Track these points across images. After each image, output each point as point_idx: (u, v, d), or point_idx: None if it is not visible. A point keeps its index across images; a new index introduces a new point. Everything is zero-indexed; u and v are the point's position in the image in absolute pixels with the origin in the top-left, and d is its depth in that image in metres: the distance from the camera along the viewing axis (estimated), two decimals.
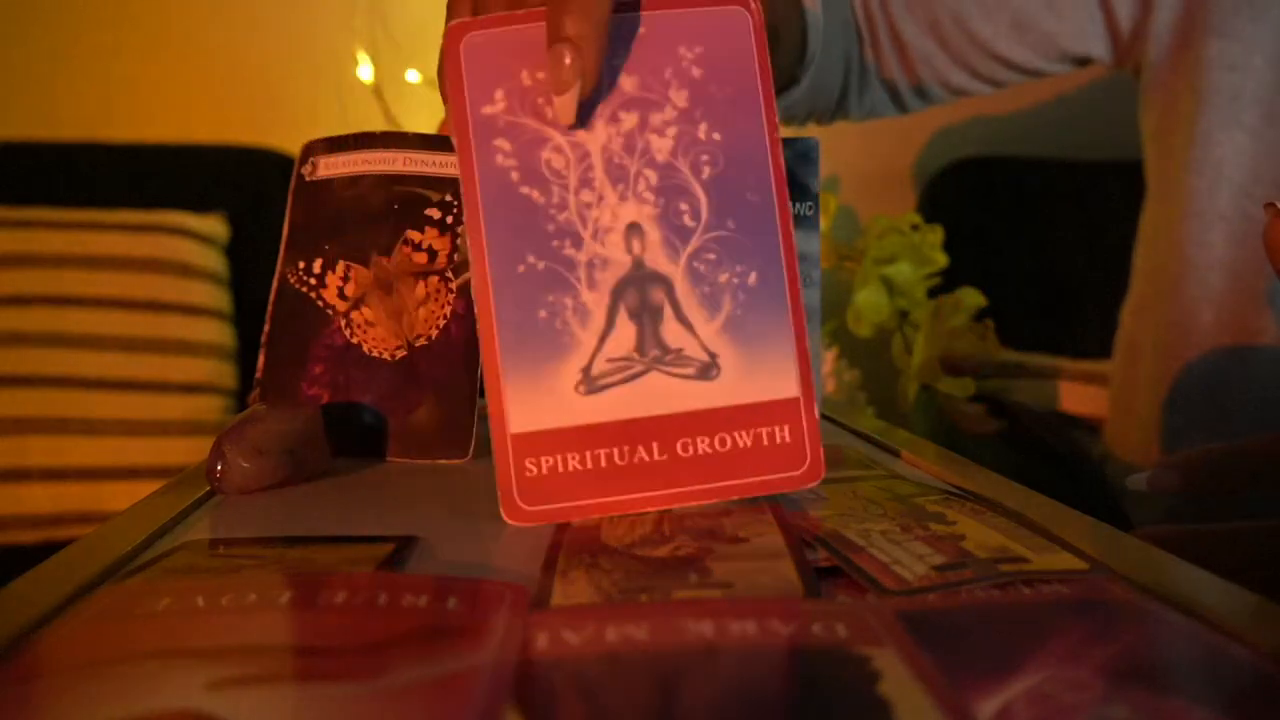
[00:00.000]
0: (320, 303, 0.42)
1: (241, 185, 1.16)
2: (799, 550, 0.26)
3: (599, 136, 0.29)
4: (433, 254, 0.41)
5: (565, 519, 0.29)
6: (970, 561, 0.25)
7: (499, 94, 0.29)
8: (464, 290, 0.41)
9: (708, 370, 0.29)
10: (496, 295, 0.29)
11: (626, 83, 0.30)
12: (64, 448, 0.97)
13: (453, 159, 0.37)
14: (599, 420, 0.29)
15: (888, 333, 0.98)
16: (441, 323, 0.41)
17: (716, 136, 0.30)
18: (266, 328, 0.43)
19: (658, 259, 0.29)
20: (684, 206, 0.29)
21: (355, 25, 1.23)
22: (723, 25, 0.30)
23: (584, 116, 0.29)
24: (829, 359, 1.07)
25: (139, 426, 0.99)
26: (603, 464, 0.29)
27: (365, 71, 1.22)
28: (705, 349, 0.29)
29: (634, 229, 0.29)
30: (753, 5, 0.30)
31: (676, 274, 0.29)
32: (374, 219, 0.42)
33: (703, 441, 0.29)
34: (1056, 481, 0.73)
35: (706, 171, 0.30)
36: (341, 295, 0.42)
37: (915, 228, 0.96)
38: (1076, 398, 0.91)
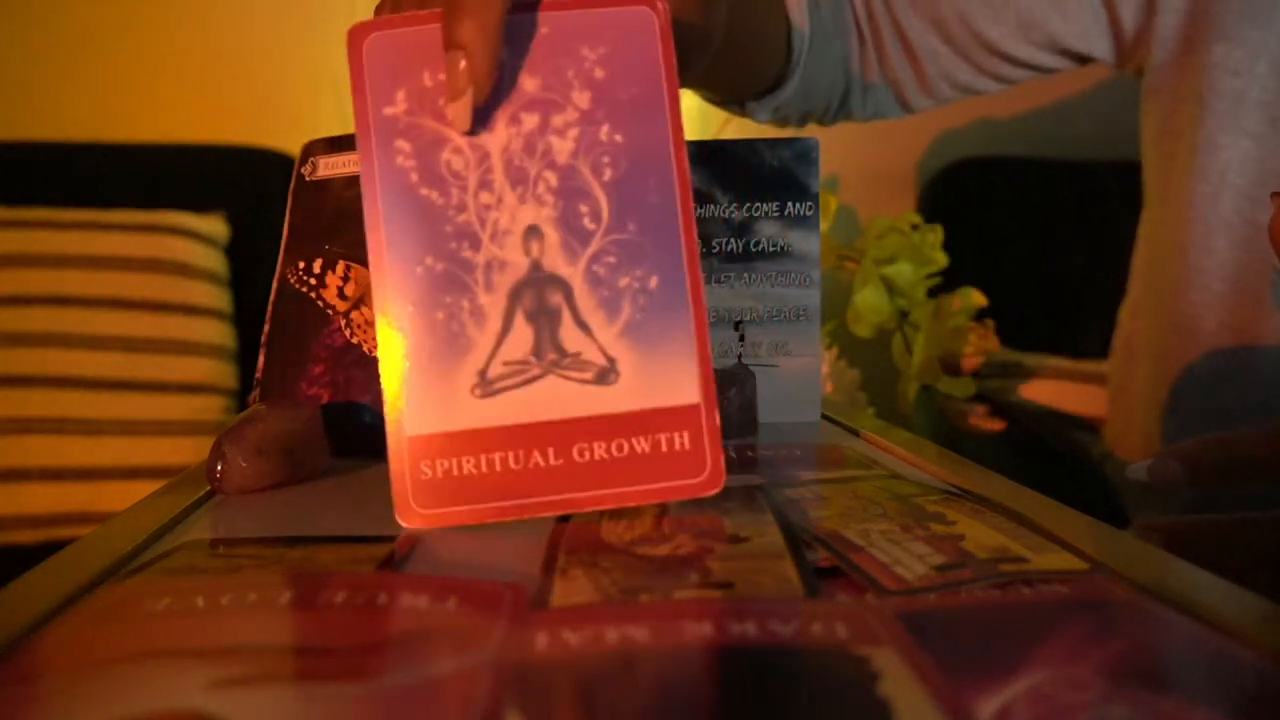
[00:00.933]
0: (320, 303, 0.42)
1: (241, 185, 1.16)
2: (799, 550, 0.26)
3: (499, 138, 0.29)
4: None
5: (458, 522, 0.29)
6: (970, 561, 0.25)
7: (400, 95, 0.29)
8: None
9: (606, 375, 0.29)
10: (395, 296, 0.29)
11: (528, 83, 0.29)
12: (64, 448, 0.97)
13: None
14: (494, 424, 0.29)
15: (888, 333, 0.98)
16: None
17: (618, 138, 0.29)
18: (266, 328, 0.43)
19: (556, 262, 0.29)
20: (584, 209, 0.29)
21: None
22: (627, 25, 0.29)
23: (484, 118, 0.29)
24: (829, 359, 1.07)
25: (139, 426, 1.00)
26: (498, 468, 0.29)
27: None
28: (604, 353, 0.29)
29: (533, 231, 0.29)
30: (659, 5, 0.30)
31: (575, 277, 0.29)
32: None
33: (599, 447, 0.29)
34: (1056, 481, 0.73)
35: (608, 173, 0.29)
36: (341, 295, 0.42)
37: (915, 228, 0.96)
38: (1076, 398, 0.91)
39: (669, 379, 0.29)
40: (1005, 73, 0.65)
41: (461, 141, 0.29)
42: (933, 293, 0.96)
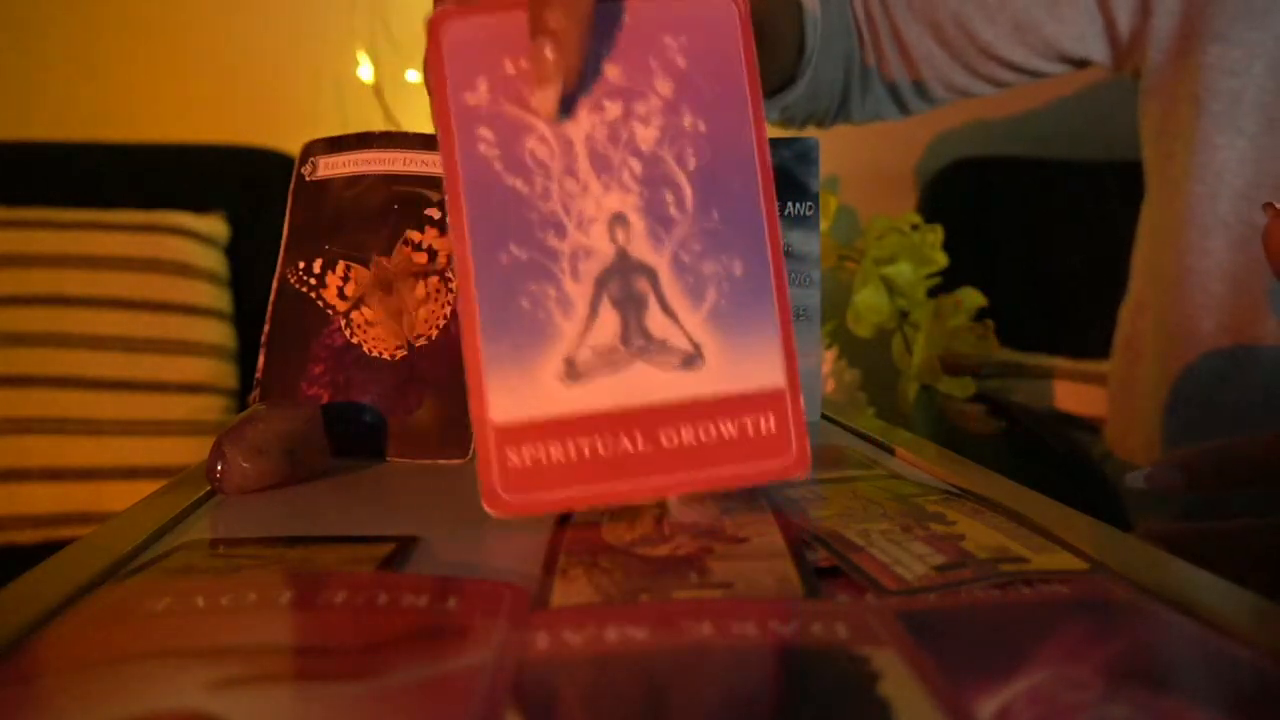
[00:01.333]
0: (320, 303, 0.42)
1: (241, 185, 1.16)
2: (799, 550, 0.26)
3: (583, 125, 0.29)
4: (433, 254, 0.41)
5: (548, 510, 0.29)
6: (970, 561, 0.25)
7: (482, 83, 0.29)
8: None
9: (692, 360, 0.29)
10: (479, 285, 0.29)
11: (611, 72, 0.29)
12: (64, 448, 0.97)
13: None
14: (582, 410, 0.29)
15: (888, 333, 0.98)
16: (441, 323, 0.41)
17: (702, 127, 0.29)
18: (266, 328, 0.43)
19: (642, 249, 0.29)
20: (669, 197, 0.29)
21: (355, 25, 1.23)
22: (709, 17, 0.30)
23: (567, 105, 0.29)
24: (829, 359, 1.07)
25: (139, 426, 0.99)
26: (586, 454, 0.29)
27: (365, 71, 1.22)
28: (689, 339, 0.29)
29: (618, 219, 0.29)
30: (739, 1, 0.30)
31: (661, 264, 0.29)
32: (374, 219, 0.42)
33: (686, 431, 0.29)
34: (1056, 481, 0.73)
35: (692, 162, 0.29)
36: (341, 295, 0.42)
37: (915, 228, 0.96)
38: (1076, 398, 0.91)
39: (754, 364, 0.29)
40: (1000, 76, 0.65)
41: (545, 129, 0.29)
42: (933, 293, 0.96)
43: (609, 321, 0.29)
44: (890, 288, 0.95)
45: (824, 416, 0.50)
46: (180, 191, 1.13)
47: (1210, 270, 0.57)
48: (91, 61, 1.24)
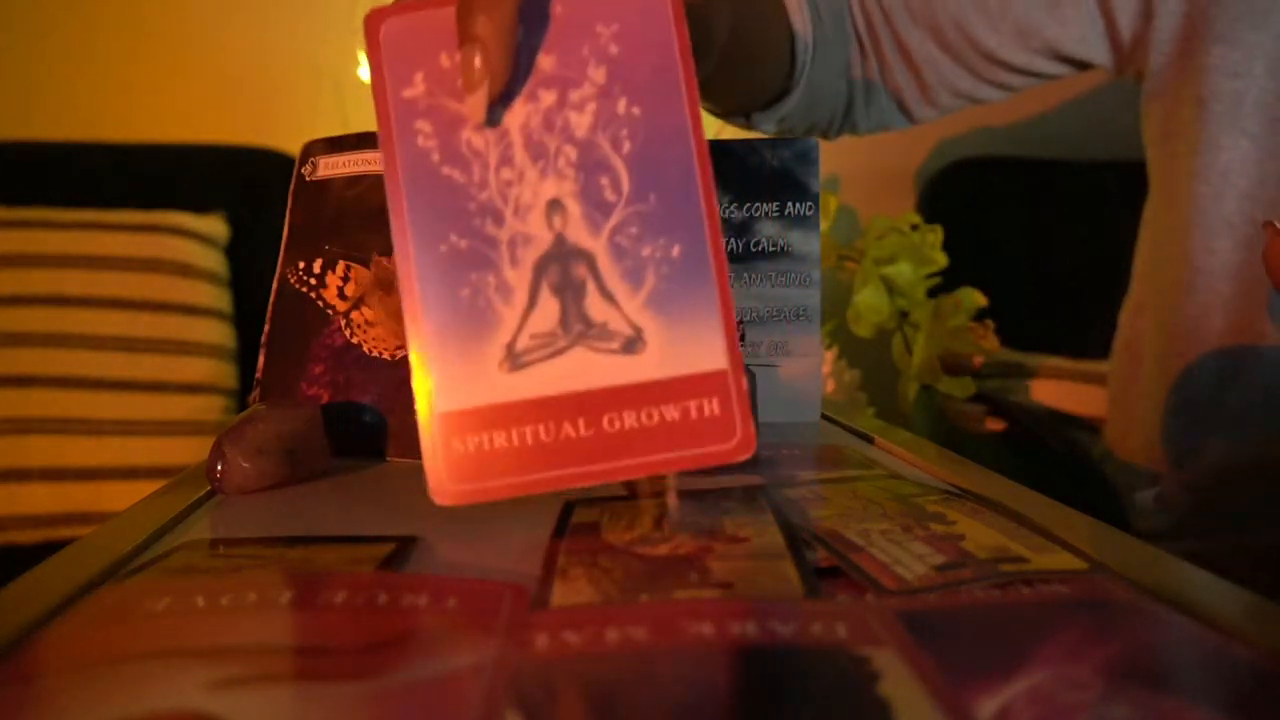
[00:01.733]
0: (320, 303, 0.42)
1: (241, 185, 1.16)
2: (799, 550, 0.26)
3: (518, 115, 0.30)
4: None
5: (493, 497, 0.29)
6: (970, 561, 0.25)
7: (418, 77, 0.30)
8: None
9: (632, 344, 0.29)
10: (420, 275, 0.29)
11: (545, 62, 0.30)
12: (64, 448, 0.97)
13: None
14: (524, 397, 0.29)
15: (888, 333, 0.98)
16: None
17: (636, 112, 0.30)
18: (266, 328, 0.43)
19: (579, 234, 0.29)
20: (605, 181, 0.30)
21: (355, 25, 1.23)
22: (641, 4, 0.30)
23: (502, 95, 0.30)
24: (829, 359, 1.07)
25: (139, 426, 0.99)
26: (530, 441, 0.29)
27: (365, 71, 1.22)
28: (630, 323, 0.29)
29: (555, 205, 0.30)
30: None
31: (599, 249, 0.29)
32: (374, 219, 0.42)
33: (629, 416, 0.29)
34: (1056, 481, 0.73)
35: (627, 146, 0.30)
36: (341, 295, 0.42)
37: (915, 228, 0.96)
38: (1076, 398, 0.91)
39: (695, 346, 0.29)
40: (1005, 80, 0.65)
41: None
42: (933, 293, 0.96)
43: (549, 308, 0.29)
44: (890, 288, 0.95)
45: (824, 416, 0.50)
46: (180, 191, 1.13)
47: (1217, 270, 0.57)
48: (91, 61, 1.24)
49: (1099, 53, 0.63)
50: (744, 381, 0.29)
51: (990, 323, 0.93)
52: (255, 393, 0.42)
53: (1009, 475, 0.35)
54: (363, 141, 0.43)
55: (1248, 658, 0.19)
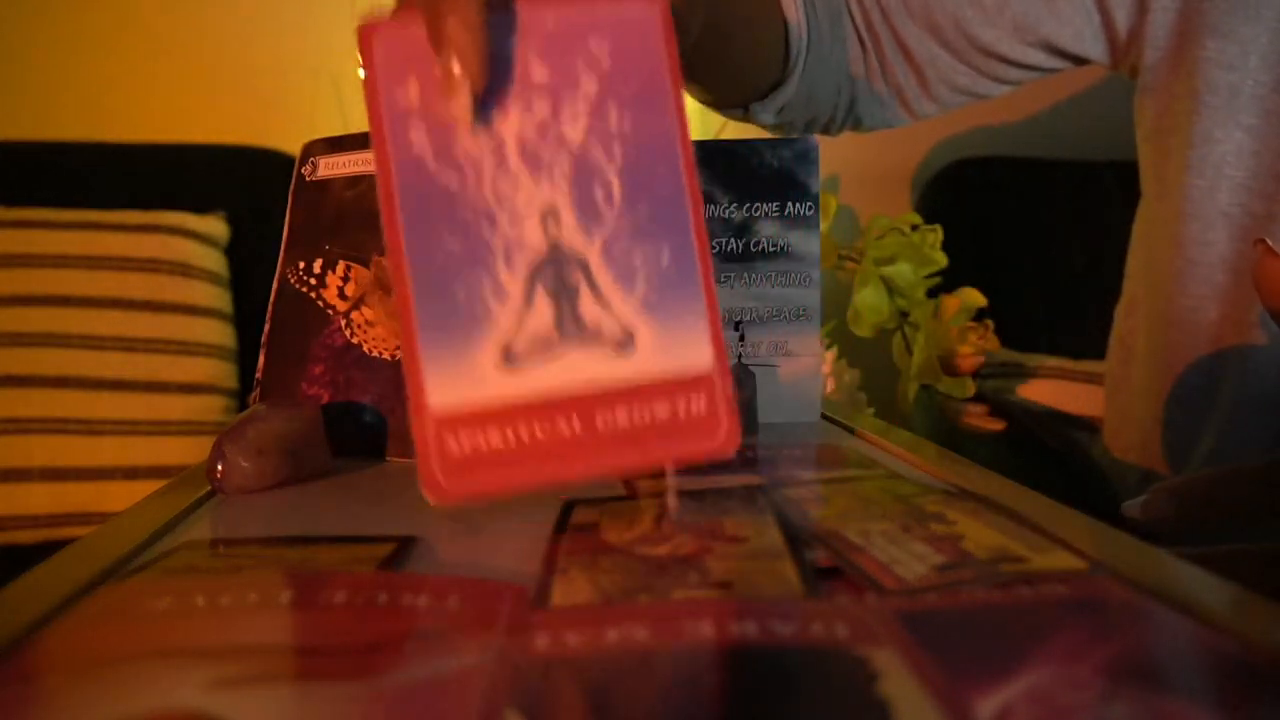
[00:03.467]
0: (320, 303, 0.42)
1: (241, 185, 1.16)
2: (799, 550, 0.26)
3: (513, 124, 0.31)
4: None
5: (487, 494, 0.29)
6: (970, 561, 0.25)
7: (413, 85, 0.30)
8: None
9: (624, 346, 0.30)
10: (414, 278, 0.30)
11: (539, 74, 0.31)
12: (64, 448, 0.97)
13: None
14: (519, 397, 0.29)
15: (888, 333, 0.98)
16: None
17: (627, 124, 0.31)
18: (266, 328, 0.43)
19: (574, 241, 0.30)
20: (598, 192, 0.31)
21: (355, 26, 1.23)
22: (631, 19, 0.31)
23: (498, 105, 0.31)
24: (829, 359, 1.07)
25: (139, 426, 0.99)
26: (524, 440, 0.29)
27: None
28: (622, 326, 0.30)
29: (550, 213, 0.30)
30: (660, 3, 0.31)
31: (592, 255, 0.30)
32: (374, 219, 0.42)
33: (621, 415, 0.30)
34: (1056, 481, 0.73)
35: (619, 156, 0.31)
36: (341, 295, 0.42)
37: (915, 228, 0.96)
38: (1076, 398, 0.91)
39: (684, 349, 0.30)
40: (1005, 74, 0.65)
41: (477, 127, 0.30)
42: (933, 293, 0.96)
43: (544, 310, 0.30)
44: (890, 288, 0.95)
45: (824, 416, 0.50)
46: (180, 191, 1.13)
47: (1214, 262, 0.57)
48: (92, 61, 1.24)
49: (1095, 48, 0.63)
50: (729, 381, 0.30)
51: (990, 323, 0.93)
52: (255, 393, 0.42)
53: (1008, 475, 0.35)
54: (362, 142, 0.43)
55: (1248, 658, 0.19)
